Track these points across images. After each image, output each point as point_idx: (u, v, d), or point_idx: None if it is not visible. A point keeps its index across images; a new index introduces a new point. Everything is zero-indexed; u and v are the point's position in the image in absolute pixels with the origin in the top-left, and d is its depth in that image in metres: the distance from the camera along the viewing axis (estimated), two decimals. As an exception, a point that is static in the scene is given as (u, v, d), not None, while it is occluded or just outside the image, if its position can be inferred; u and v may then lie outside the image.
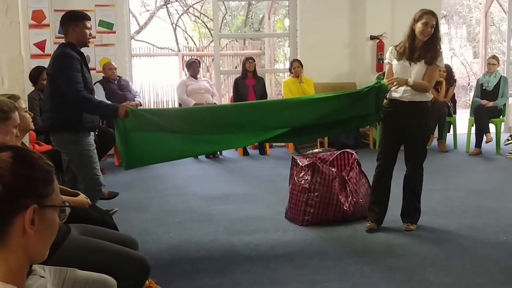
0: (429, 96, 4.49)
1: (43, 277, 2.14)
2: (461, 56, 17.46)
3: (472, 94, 9.78)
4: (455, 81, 8.79)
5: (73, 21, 4.19)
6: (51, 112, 4.20)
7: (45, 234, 1.35)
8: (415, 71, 4.38)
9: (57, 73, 4.10)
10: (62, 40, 4.32)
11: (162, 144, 4.17)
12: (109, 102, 4.69)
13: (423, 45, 4.36)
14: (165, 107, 12.36)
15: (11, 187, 1.25)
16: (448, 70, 8.58)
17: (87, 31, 4.23)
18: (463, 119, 9.27)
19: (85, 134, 4.25)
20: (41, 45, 7.37)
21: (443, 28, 15.87)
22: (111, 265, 2.54)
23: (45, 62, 6.89)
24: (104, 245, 2.65)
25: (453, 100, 8.80)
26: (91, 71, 4.48)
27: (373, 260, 3.91)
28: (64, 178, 4.58)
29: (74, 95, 4.04)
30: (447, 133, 8.66)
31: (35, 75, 6.18)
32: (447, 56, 16.09)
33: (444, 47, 16.44)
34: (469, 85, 16.26)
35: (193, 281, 3.61)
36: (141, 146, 4.10)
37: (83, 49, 4.27)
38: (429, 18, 4.28)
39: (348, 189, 4.82)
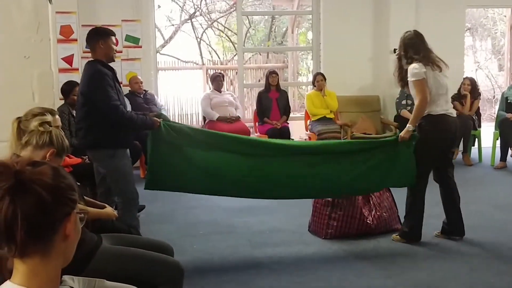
0: (428, 110, 4.46)
1: (72, 287, 2.20)
2: (486, 69, 17.29)
3: (497, 107, 9.70)
4: (479, 94, 8.73)
5: (101, 37, 4.27)
6: (87, 130, 4.24)
7: (76, 238, 1.45)
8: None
9: (93, 92, 4.15)
10: (89, 55, 4.40)
11: (188, 170, 4.20)
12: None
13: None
14: (190, 121, 12.51)
15: (57, 196, 1.34)
16: (473, 83, 8.54)
17: (114, 46, 4.33)
18: (488, 132, 9.19)
19: (123, 149, 4.33)
20: (69, 60, 7.51)
21: (468, 41, 15.77)
22: (147, 272, 2.62)
23: (73, 76, 7.05)
24: (138, 253, 2.73)
25: (478, 114, 8.74)
26: (118, 85, 4.55)
27: (396, 274, 3.91)
28: (96, 191, 4.65)
29: (113, 113, 4.11)
30: (472, 147, 8.60)
31: (67, 89, 6.26)
32: (471, 69, 15.97)
33: (469, 59, 16.42)
34: (494, 98, 16.10)
35: (217, 293, 3.65)
36: (168, 167, 4.17)
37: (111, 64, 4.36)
38: None
39: (371, 202, 4.83)
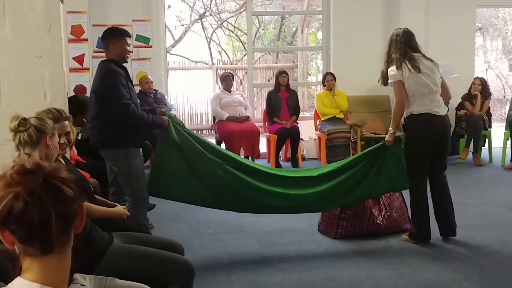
0: (410, 110, 4.50)
1: (84, 285, 2.22)
2: (496, 69, 17.20)
3: (507, 107, 9.66)
4: (490, 94, 8.69)
5: (114, 36, 4.31)
6: (99, 129, 4.25)
7: None
8: None
9: (104, 90, 4.18)
10: (100, 54, 4.43)
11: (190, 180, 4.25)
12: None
13: None
14: (199, 120, 12.54)
15: (73, 189, 1.39)
16: (483, 83, 8.50)
17: (127, 47, 4.34)
18: (498, 132, 9.14)
19: (135, 148, 4.34)
20: (79, 59, 7.53)
21: (478, 41, 15.69)
22: (158, 271, 2.64)
23: (84, 76, 7.10)
24: (149, 251, 2.75)
25: (488, 114, 8.70)
26: (128, 85, 4.57)
27: (406, 274, 3.90)
28: (109, 190, 4.68)
29: (124, 111, 4.13)
30: (482, 147, 8.56)
31: None
32: (482, 69, 15.89)
33: (479, 59, 16.33)
34: (504, 98, 16.01)
35: (227, 292, 3.66)
36: (171, 176, 4.21)
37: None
38: None
39: (381, 202, 4.82)
